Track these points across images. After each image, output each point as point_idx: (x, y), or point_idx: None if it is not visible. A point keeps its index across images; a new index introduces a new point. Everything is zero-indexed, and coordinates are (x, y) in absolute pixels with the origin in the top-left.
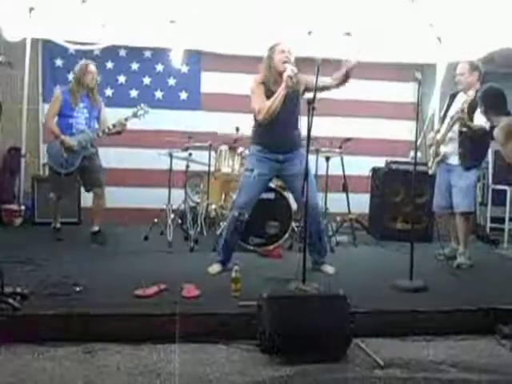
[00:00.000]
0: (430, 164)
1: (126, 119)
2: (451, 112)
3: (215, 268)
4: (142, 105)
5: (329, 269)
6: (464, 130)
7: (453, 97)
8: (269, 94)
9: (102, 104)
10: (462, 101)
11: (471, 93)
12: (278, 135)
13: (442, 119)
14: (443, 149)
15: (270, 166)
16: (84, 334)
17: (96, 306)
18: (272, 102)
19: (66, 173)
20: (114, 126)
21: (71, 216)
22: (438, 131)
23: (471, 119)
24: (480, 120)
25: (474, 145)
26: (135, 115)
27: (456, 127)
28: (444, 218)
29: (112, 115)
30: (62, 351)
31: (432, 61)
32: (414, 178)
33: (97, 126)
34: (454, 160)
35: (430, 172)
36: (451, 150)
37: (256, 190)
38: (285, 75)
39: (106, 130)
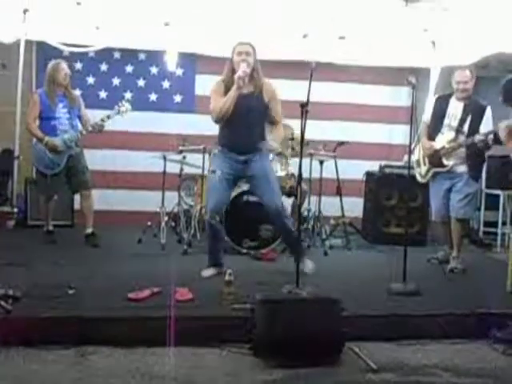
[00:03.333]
0: (422, 172)
1: (109, 117)
2: (448, 121)
3: (208, 272)
4: (124, 101)
5: (307, 264)
6: (482, 147)
7: (442, 101)
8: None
9: (80, 101)
10: (459, 109)
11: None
12: (237, 136)
13: (435, 125)
14: (449, 161)
15: (231, 165)
16: (76, 336)
17: (89, 309)
18: (224, 103)
19: (53, 174)
20: (96, 124)
21: (64, 219)
22: (432, 139)
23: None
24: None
25: (480, 155)
26: (118, 112)
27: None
28: (441, 223)
29: None
30: (55, 354)
31: (426, 65)
32: (407, 182)
33: (79, 124)
34: (460, 168)
35: (423, 181)
36: (458, 161)
37: (222, 190)
38: (236, 76)
39: (90, 129)
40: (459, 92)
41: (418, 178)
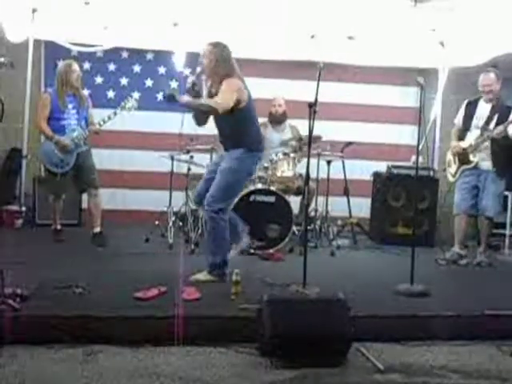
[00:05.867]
0: (452, 171)
1: (115, 113)
2: (477, 121)
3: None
4: (130, 98)
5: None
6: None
7: (472, 104)
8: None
9: (89, 101)
10: (486, 110)
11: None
12: (218, 137)
13: (465, 127)
14: (474, 157)
15: (216, 161)
16: (84, 335)
17: (96, 308)
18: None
19: (62, 172)
20: (103, 121)
21: (72, 218)
22: (462, 139)
23: None
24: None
25: (507, 152)
26: (123, 108)
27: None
28: (457, 219)
29: None
30: (62, 353)
31: (434, 65)
32: (415, 182)
33: (86, 124)
34: (486, 165)
35: (453, 179)
36: (483, 157)
37: (201, 183)
38: None
39: (98, 126)
40: (485, 94)
41: (449, 177)
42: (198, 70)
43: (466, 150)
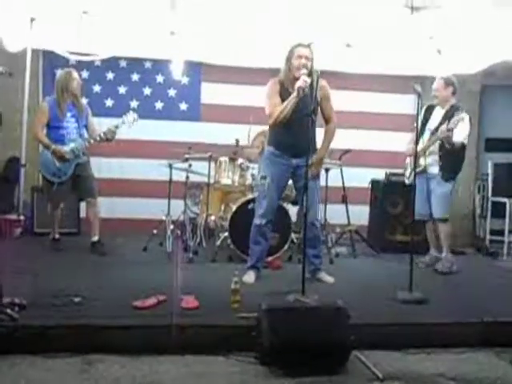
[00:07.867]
0: (407, 174)
1: (117, 126)
2: (430, 125)
3: (251, 277)
4: (131, 112)
5: (328, 278)
6: (447, 146)
7: (429, 109)
8: (285, 94)
9: (88, 110)
10: (440, 115)
11: (458, 117)
12: (292, 137)
13: (421, 131)
14: (423, 161)
15: (283, 169)
16: (83, 345)
17: (95, 317)
18: (282, 109)
19: (60, 182)
20: (104, 133)
21: (70, 226)
22: (417, 143)
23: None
24: (459, 136)
25: (453, 158)
26: (124, 122)
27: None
28: (426, 224)
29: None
30: (61, 362)
31: (431, 73)
32: (413, 189)
33: (86, 133)
34: (434, 169)
35: (407, 182)
36: (431, 161)
37: (272, 196)
38: (296, 85)
39: (98, 138)
40: (434, 98)
41: (405, 180)
42: (305, 71)
43: (419, 153)
